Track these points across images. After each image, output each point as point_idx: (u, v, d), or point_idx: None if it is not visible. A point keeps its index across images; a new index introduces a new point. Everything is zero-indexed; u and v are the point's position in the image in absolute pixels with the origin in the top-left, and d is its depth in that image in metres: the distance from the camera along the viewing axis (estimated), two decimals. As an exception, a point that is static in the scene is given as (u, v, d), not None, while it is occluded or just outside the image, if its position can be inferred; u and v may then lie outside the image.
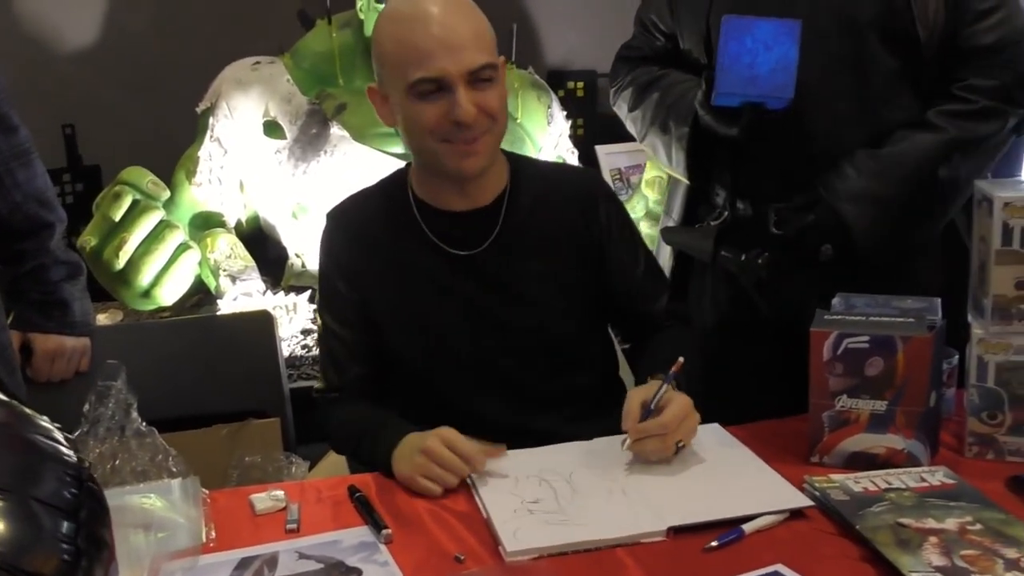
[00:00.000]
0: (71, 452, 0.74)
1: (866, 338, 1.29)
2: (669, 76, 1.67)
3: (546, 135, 2.34)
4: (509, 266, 1.44)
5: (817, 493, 1.23)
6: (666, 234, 1.78)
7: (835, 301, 1.44)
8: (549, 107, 2.37)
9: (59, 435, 0.76)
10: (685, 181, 1.70)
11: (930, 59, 1.52)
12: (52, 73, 2.63)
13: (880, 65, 1.54)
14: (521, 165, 1.49)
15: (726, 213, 1.63)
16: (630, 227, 1.56)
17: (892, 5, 1.51)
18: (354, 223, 1.47)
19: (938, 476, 1.27)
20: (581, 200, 1.49)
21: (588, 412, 1.46)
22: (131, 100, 2.63)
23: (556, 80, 2.78)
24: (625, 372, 1.64)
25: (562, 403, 1.46)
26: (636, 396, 1.33)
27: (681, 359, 1.34)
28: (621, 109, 1.77)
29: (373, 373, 1.48)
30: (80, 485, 0.72)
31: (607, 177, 2.65)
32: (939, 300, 1.40)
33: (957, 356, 1.44)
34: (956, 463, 1.33)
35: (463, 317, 1.44)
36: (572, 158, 2.41)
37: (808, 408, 1.35)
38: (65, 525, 0.69)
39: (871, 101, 1.56)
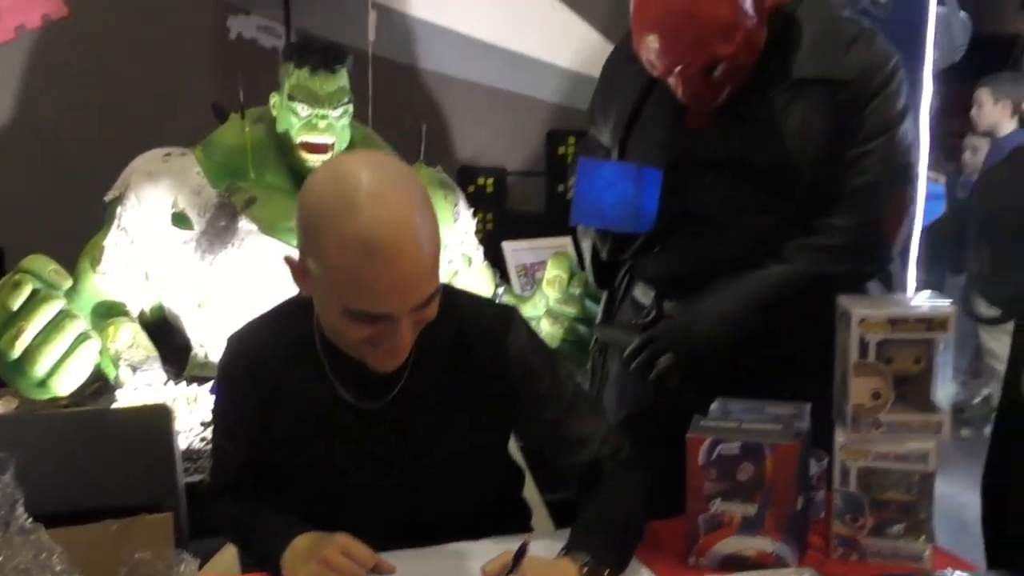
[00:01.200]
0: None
1: (737, 444, 1.36)
2: None
3: (452, 232, 2.41)
4: (409, 416, 1.40)
5: (690, 595, 1.29)
6: (599, 330, 1.91)
7: (713, 407, 1.52)
8: (455, 205, 2.43)
9: None
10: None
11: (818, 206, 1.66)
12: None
13: (769, 202, 1.67)
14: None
15: (653, 312, 1.74)
16: (548, 365, 1.48)
17: (779, 148, 1.64)
18: (253, 349, 1.43)
19: (804, 577, 1.34)
20: (490, 345, 1.43)
21: (487, 534, 1.44)
22: (39, 185, 2.64)
23: (467, 176, 2.87)
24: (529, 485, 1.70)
25: (460, 533, 1.44)
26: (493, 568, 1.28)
27: (528, 541, 1.28)
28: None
29: (261, 482, 1.46)
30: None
31: (512, 274, 2.73)
32: (809, 406, 1.49)
33: (827, 459, 1.52)
34: (823, 564, 1.40)
35: (360, 463, 1.41)
36: (477, 255, 2.47)
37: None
38: None
39: (757, 229, 1.69)
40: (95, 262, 2.22)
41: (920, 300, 1.43)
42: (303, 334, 1.38)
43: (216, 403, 1.48)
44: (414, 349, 1.32)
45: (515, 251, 2.76)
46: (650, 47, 1.56)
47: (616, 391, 1.89)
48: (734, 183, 1.66)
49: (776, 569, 1.36)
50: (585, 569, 1.26)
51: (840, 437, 1.42)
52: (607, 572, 1.29)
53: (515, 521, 1.53)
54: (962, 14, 3.51)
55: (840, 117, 1.61)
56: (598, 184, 1.64)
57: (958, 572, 1.28)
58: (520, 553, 1.25)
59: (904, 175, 1.67)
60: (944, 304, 1.39)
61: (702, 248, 1.72)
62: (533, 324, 1.89)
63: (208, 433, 2.02)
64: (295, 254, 1.37)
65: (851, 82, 1.60)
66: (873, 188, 1.63)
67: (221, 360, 1.45)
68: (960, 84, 3.94)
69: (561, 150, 2.88)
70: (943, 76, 3.36)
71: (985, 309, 1.48)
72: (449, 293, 1.40)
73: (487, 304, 1.56)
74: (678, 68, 1.56)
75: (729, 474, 1.36)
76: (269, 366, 1.40)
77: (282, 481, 1.45)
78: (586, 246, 1.87)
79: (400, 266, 1.20)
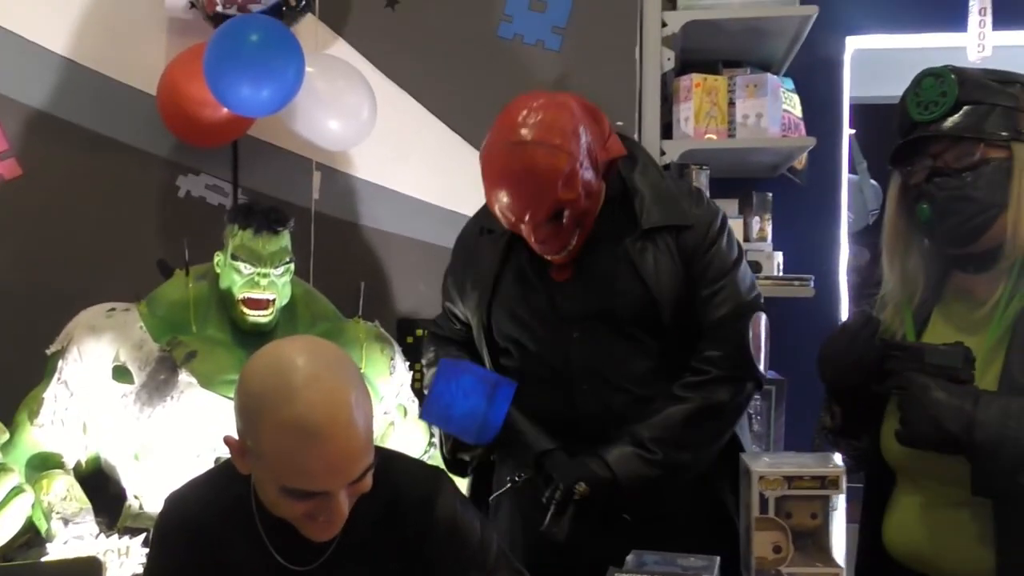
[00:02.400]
0: None
1: (650, 597, 1.44)
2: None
3: (388, 384, 2.49)
4: None
5: None
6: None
7: (629, 558, 1.60)
8: (392, 359, 2.52)
9: None
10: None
11: (683, 342, 1.82)
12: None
13: (639, 347, 1.81)
14: None
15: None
16: (474, 531, 1.53)
17: (637, 293, 1.80)
18: (190, 511, 1.47)
19: None
20: (419, 510, 1.48)
21: None
22: None
23: (406, 328, 2.96)
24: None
25: None
26: None
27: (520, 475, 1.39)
28: (427, 382, 2.01)
29: None
30: None
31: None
32: (718, 559, 1.58)
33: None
34: None
35: None
36: (412, 406, 2.55)
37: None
38: None
39: (633, 375, 1.82)
40: (33, 415, 2.25)
41: (815, 458, 1.54)
42: (240, 497, 1.43)
43: (149, 560, 1.51)
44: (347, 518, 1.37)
45: (450, 401, 2.84)
46: (500, 200, 1.73)
47: (508, 539, 1.94)
48: (602, 334, 1.80)
49: None
50: None
51: (746, 589, 1.50)
52: None
53: None
54: (872, 182, 3.76)
55: (687, 262, 1.80)
56: (454, 389, 1.77)
57: None
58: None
59: (755, 304, 1.85)
60: (837, 462, 1.50)
61: (583, 398, 1.84)
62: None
63: (138, 586, 2.02)
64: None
65: (693, 227, 1.80)
66: (732, 318, 1.81)
67: (158, 519, 1.49)
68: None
69: (496, 303, 3.01)
70: (861, 236, 3.60)
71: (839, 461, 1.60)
72: (383, 458, 1.46)
73: (418, 467, 1.61)
74: (527, 216, 1.70)
75: (642, 626, 1.44)
76: (204, 527, 1.44)
77: None
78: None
79: (336, 447, 1.27)
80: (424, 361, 2.08)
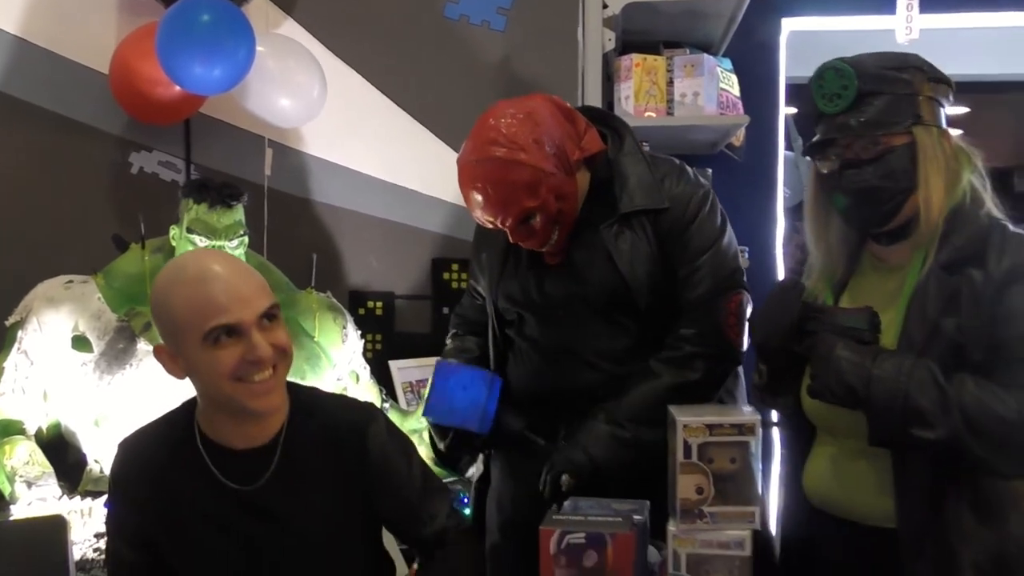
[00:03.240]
0: None
1: (582, 535, 1.56)
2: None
3: (340, 351, 2.58)
4: (283, 501, 1.55)
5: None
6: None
7: (566, 504, 1.72)
8: (344, 327, 2.61)
9: None
10: None
11: (658, 321, 1.92)
12: None
13: (618, 327, 1.93)
14: (301, 401, 1.60)
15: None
16: (403, 455, 1.67)
17: (614, 275, 1.92)
18: (143, 455, 1.59)
19: (641, 652, 1.52)
20: (354, 436, 1.61)
21: None
22: None
23: (357, 300, 3.06)
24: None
25: None
26: None
27: (416, 566, 1.52)
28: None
29: None
30: None
31: (399, 391, 2.91)
32: (648, 503, 1.70)
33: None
34: (662, 642, 1.59)
35: (239, 548, 1.55)
36: (364, 373, 2.65)
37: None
38: None
39: (612, 354, 1.94)
40: (-7, 383, 2.32)
41: (734, 409, 1.68)
42: (185, 434, 1.56)
43: (111, 510, 1.61)
44: (284, 437, 1.55)
45: (401, 369, 2.95)
46: (475, 205, 1.85)
47: (496, 496, 2.09)
48: (582, 314, 1.92)
49: (619, 647, 1.54)
50: None
51: (672, 527, 1.63)
52: None
53: None
54: (808, 158, 3.91)
55: (663, 243, 1.89)
56: (453, 385, 1.89)
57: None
58: None
59: (733, 282, 1.94)
60: (753, 412, 1.64)
61: (562, 374, 1.96)
62: (416, 437, 2.08)
63: (102, 543, 2.10)
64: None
65: (669, 209, 1.90)
66: (708, 298, 1.91)
67: (113, 465, 1.59)
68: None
69: (445, 276, 3.10)
70: (798, 211, 3.74)
71: (766, 415, 1.76)
72: (317, 393, 1.67)
73: (352, 401, 1.77)
74: (499, 221, 1.84)
75: (576, 561, 1.55)
76: (155, 466, 1.56)
77: None
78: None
79: (232, 279, 1.47)
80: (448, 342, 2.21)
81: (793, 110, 3.76)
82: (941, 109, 1.65)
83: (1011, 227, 1.58)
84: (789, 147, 3.77)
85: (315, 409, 1.61)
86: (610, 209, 1.92)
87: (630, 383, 1.90)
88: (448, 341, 2.21)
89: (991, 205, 1.61)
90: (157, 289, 1.51)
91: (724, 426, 1.59)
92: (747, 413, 1.63)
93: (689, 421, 1.60)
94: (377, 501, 1.63)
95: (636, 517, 1.62)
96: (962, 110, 6.02)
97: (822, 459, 1.71)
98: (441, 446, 2.01)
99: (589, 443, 1.86)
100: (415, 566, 1.55)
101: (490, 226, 1.89)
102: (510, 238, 1.90)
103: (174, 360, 1.51)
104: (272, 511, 1.55)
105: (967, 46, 3.61)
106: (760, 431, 1.60)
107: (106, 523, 1.63)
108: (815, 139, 1.67)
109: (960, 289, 1.52)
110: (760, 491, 1.61)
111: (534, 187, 1.81)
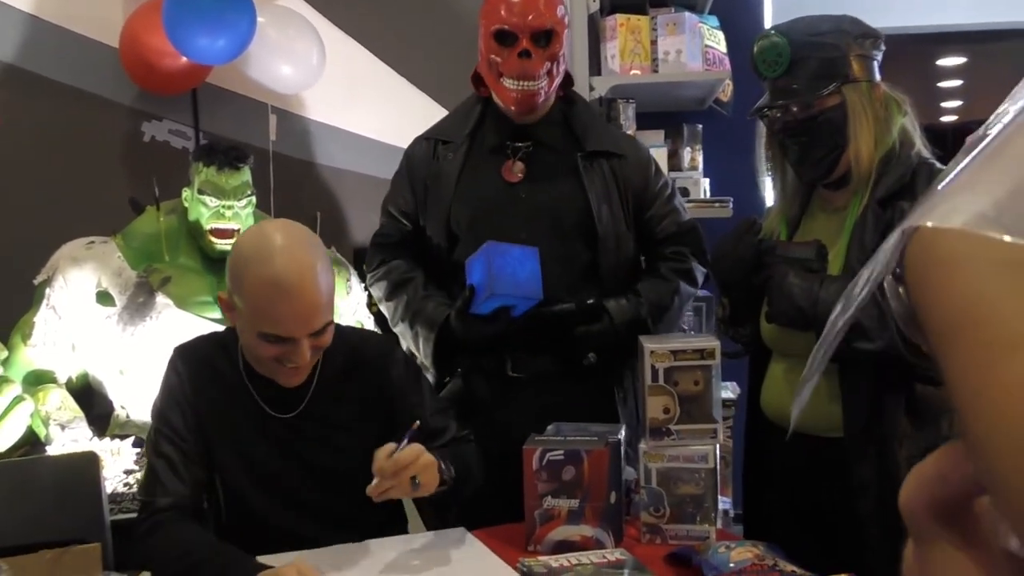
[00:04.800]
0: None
1: (561, 452, 1.74)
2: (415, 281, 2.15)
3: (346, 302, 2.76)
4: (316, 423, 1.78)
5: (524, 569, 1.64)
6: None
7: (549, 428, 1.89)
8: (348, 280, 2.79)
9: None
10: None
11: (610, 251, 2.10)
12: None
13: (579, 243, 2.11)
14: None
15: (470, 360, 2.14)
16: (417, 379, 1.89)
17: (581, 205, 2.11)
18: (195, 361, 1.78)
19: (615, 554, 1.69)
20: (377, 363, 1.84)
21: (376, 533, 1.80)
22: None
23: (361, 256, 3.20)
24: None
25: (352, 525, 1.77)
26: (383, 448, 1.64)
27: (418, 422, 1.66)
28: (376, 293, 2.25)
29: (192, 495, 1.74)
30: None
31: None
32: (623, 426, 1.88)
33: (641, 467, 1.90)
34: (634, 547, 1.76)
35: (279, 459, 1.76)
36: (368, 322, 2.82)
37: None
38: None
39: (573, 274, 2.11)
40: (26, 337, 2.49)
41: (696, 336, 1.84)
42: (231, 357, 1.76)
43: (160, 411, 1.76)
44: (316, 370, 1.74)
45: (403, 321, 3.12)
46: (512, 4, 2.07)
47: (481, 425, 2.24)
48: (545, 234, 2.08)
49: (596, 550, 1.72)
50: (440, 465, 1.66)
51: (642, 445, 1.81)
52: (449, 471, 1.70)
53: (397, 524, 1.90)
54: (793, 109, 4.02)
55: (628, 188, 2.13)
56: (510, 262, 2.01)
57: (724, 542, 1.66)
58: (402, 442, 1.62)
59: (692, 220, 2.25)
60: (713, 339, 1.80)
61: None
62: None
63: (131, 479, 2.30)
64: (208, 326, 1.75)
65: (626, 156, 2.10)
66: (687, 228, 2.20)
67: (168, 364, 1.77)
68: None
69: (444, 232, 3.27)
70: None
71: (729, 346, 1.95)
72: (343, 328, 1.86)
73: (373, 334, 2.02)
74: (530, 16, 2.05)
75: (556, 476, 1.73)
76: (205, 370, 1.76)
77: (209, 486, 1.77)
78: (427, 336, 2.14)
79: (301, 301, 1.61)
80: (370, 273, 2.28)
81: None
82: (873, 63, 1.81)
83: (938, 164, 1.75)
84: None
85: (342, 343, 1.79)
86: (574, 143, 2.15)
87: (638, 285, 2.14)
88: (381, 272, 2.24)
89: (921, 146, 1.78)
90: (241, 252, 1.66)
91: (687, 351, 1.76)
92: (708, 339, 1.80)
93: (655, 347, 1.77)
94: (395, 418, 1.82)
95: (611, 437, 1.79)
96: (960, 60, 6.11)
97: (777, 379, 1.89)
98: (489, 331, 2.04)
99: (615, 315, 2.07)
100: (417, 423, 1.67)
101: (511, 23, 2.07)
102: (510, 62, 2.06)
103: (230, 310, 1.70)
104: (306, 431, 1.77)
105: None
106: (719, 355, 1.77)
107: (154, 419, 1.78)
108: (758, 104, 1.84)
109: (892, 221, 1.68)
110: (720, 411, 1.78)
111: (560, 21, 2.09)
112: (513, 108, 2.11)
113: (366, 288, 2.84)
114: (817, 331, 1.67)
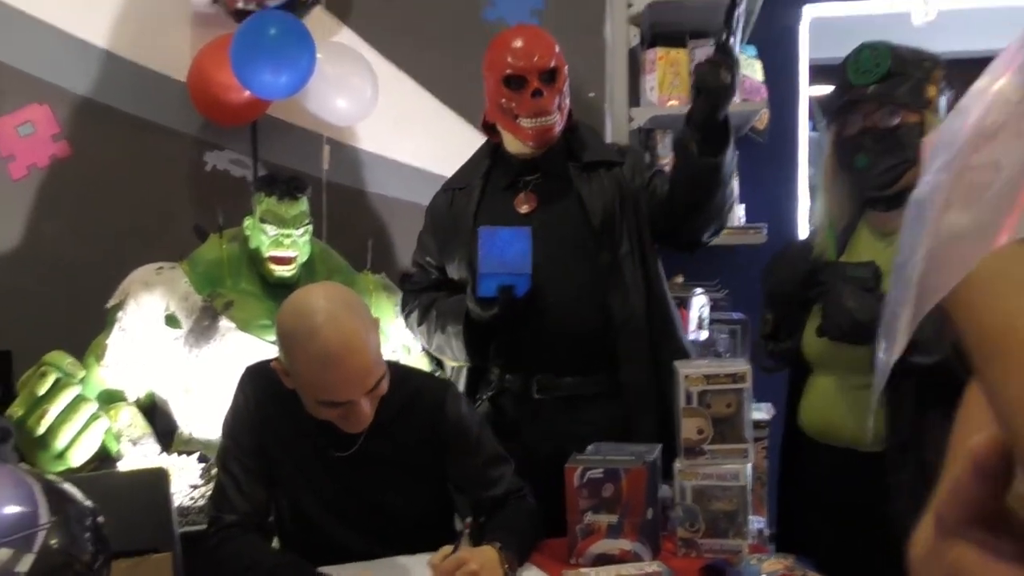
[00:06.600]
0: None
1: (601, 470, 1.85)
2: (442, 296, 2.31)
3: (394, 326, 2.89)
4: (372, 462, 1.86)
5: (568, 580, 1.75)
6: None
7: (589, 448, 2.01)
8: (396, 304, 2.92)
9: None
10: (467, 365, 2.30)
11: (618, 245, 2.24)
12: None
13: (597, 259, 2.22)
14: (391, 377, 1.81)
15: (496, 383, 2.25)
16: (474, 427, 1.96)
17: (578, 212, 2.26)
18: (263, 384, 1.87)
19: (652, 567, 1.80)
20: (433, 406, 1.91)
21: (428, 550, 1.92)
22: (46, 297, 3.02)
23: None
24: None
25: (407, 545, 1.88)
26: (438, 553, 1.74)
27: (469, 519, 1.76)
28: (412, 327, 2.41)
29: (257, 511, 1.87)
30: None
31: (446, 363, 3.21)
32: (660, 446, 1.99)
33: (678, 486, 2.00)
34: (670, 560, 1.87)
35: (337, 490, 1.86)
36: (416, 346, 2.93)
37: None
38: None
39: (593, 291, 2.23)
40: (99, 358, 2.64)
41: (729, 361, 1.95)
42: (294, 392, 1.81)
43: (230, 430, 1.87)
44: (376, 415, 1.80)
45: (450, 343, 3.25)
46: (510, 46, 2.24)
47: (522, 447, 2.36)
48: (563, 254, 2.21)
49: (635, 563, 1.83)
50: (500, 551, 1.72)
51: (677, 464, 1.91)
52: (512, 557, 1.75)
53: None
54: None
55: (628, 190, 2.27)
56: (499, 244, 2.15)
57: (756, 555, 1.77)
58: (457, 543, 1.72)
59: None
60: (744, 363, 1.91)
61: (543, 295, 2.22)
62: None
63: (196, 493, 2.44)
64: (268, 348, 1.87)
65: (623, 163, 2.27)
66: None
67: (239, 384, 1.87)
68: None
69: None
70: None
71: (766, 361, 2.06)
72: (401, 368, 1.93)
73: (430, 377, 2.09)
74: (535, 57, 2.21)
75: (596, 492, 1.84)
76: (272, 395, 1.84)
77: (272, 505, 1.89)
78: (456, 331, 2.31)
79: (352, 368, 1.68)
80: (405, 312, 2.48)
81: (817, 91, 3.96)
82: (944, 99, 1.93)
83: None
84: (814, 128, 3.97)
85: (402, 383, 1.87)
86: (573, 160, 2.32)
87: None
88: (411, 306, 2.44)
89: None
90: (285, 329, 1.72)
91: (720, 376, 1.87)
92: (740, 363, 1.90)
93: (690, 372, 1.88)
94: (449, 464, 1.92)
95: (648, 457, 1.90)
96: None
97: (820, 394, 1.99)
98: (494, 310, 2.17)
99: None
100: (469, 519, 1.78)
101: (516, 68, 2.21)
102: (528, 95, 2.20)
103: (286, 379, 1.77)
104: (362, 467, 1.86)
105: (983, 25, 3.78)
106: (751, 379, 1.87)
107: (223, 437, 1.88)
108: (843, 101, 1.94)
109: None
110: (752, 432, 1.89)
111: (559, 57, 2.23)
112: (531, 144, 2.26)
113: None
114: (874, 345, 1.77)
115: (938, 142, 0.52)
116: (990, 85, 0.49)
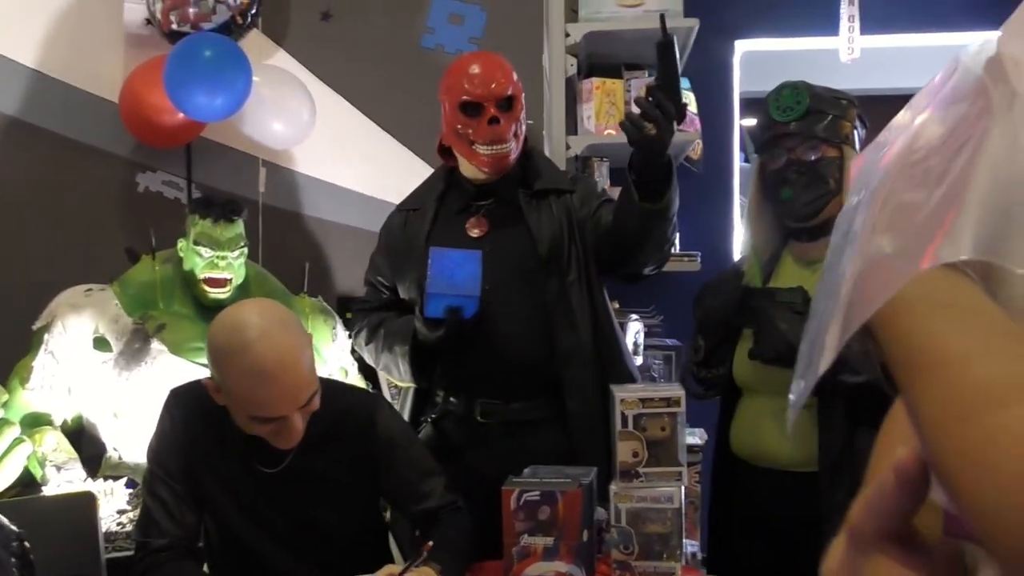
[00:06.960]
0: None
1: (538, 492, 1.86)
2: (391, 316, 2.31)
3: (331, 349, 2.87)
4: (302, 478, 1.84)
5: (501, 603, 1.75)
6: None
7: (526, 470, 2.02)
8: (334, 328, 2.90)
9: None
10: (413, 387, 2.30)
11: (564, 273, 2.24)
12: None
13: (544, 287, 2.24)
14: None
15: (440, 406, 2.26)
16: (404, 440, 1.96)
17: (525, 238, 2.27)
18: (189, 405, 1.86)
19: (587, 589, 1.81)
20: (363, 422, 1.90)
21: (365, 571, 1.85)
22: None
23: (345, 304, 3.32)
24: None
25: (341, 567, 1.85)
26: (385, 569, 1.73)
27: (431, 543, 1.73)
28: (360, 346, 2.40)
29: (187, 535, 1.84)
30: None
31: (383, 385, 3.20)
32: (595, 469, 2.00)
33: (613, 509, 2.02)
34: (605, 583, 1.89)
35: (268, 508, 1.85)
36: (352, 368, 2.94)
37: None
38: None
39: (541, 319, 2.24)
40: (24, 381, 2.57)
41: (663, 385, 1.98)
42: (223, 412, 1.80)
43: (156, 454, 1.85)
44: (305, 431, 1.79)
45: (385, 367, 3.24)
46: (467, 72, 2.25)
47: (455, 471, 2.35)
48: (511, 280, 2.23)
49: (569, 586, 1.84)
50: (441, 574, 1.71)
51: (613, 486, 1.93)
52: None
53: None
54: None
55: (571, 213, 2.27)
56: (449, 265, 2.15)
57: (690, 576, 1.79)
58: (411, 563, 1.70)
59: None
60: (679, 388, 1.94)
61: (490, 322, 2.22)
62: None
63: (124, 518, 2.39)
64: (200, 371, 1.85)
65: (574, 191, 2.29)
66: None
67: (163, 408, 1.84)
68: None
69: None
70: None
71: (696, 388, 2.10)
72: (332, 384, 1.94)
73: (361, 392, 2.09)
74: (493, 84, 2.21)
75: (532, 515, 1.85)
76: (199, 415, 1.82)
77: (200, 527, 1.86)
78: (403, 351, 2.29)
79: (285, 384, 1.68)
80: (354, 333, 2.46)
81: (748, 123, 4.06)
82: (858, 134, 2.03)
83: None
84: (747, 159, 4.07)
85: (329, 398, 1.85)
86: (525, 188, 2.33)
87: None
88: (360, 326, 2.41)
89: None
90: (217, 345, 1.70)
91: (655, 399, 1.89)
92: (675, 388, 1.93)
93: (625, 396, 1.90)
94: (380, 478, 1.92)
95: (584, 480, 1.92)
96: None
97: (751, 417, 2.05)
98: (440, 332, 2.15)
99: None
100: (429, 543, 1.74)
101: (474, 95, 2.22)
102: (484, 123, 2.21)
103: (217, 395, 1.76)
104: (291, 485, 1.85)
105: (905, 64, 3.94)
106: (684, 403, 1.90)
107: (149, 461, 1.85)
108: (767, 136, 2.03)
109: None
110: (685, 455, 1.92)
111: (517, 85, 2.24)
112: (487, 171, 2.27)
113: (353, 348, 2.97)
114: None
115: (861, 170, 0.55)
116: (913, 119, 0.52)
